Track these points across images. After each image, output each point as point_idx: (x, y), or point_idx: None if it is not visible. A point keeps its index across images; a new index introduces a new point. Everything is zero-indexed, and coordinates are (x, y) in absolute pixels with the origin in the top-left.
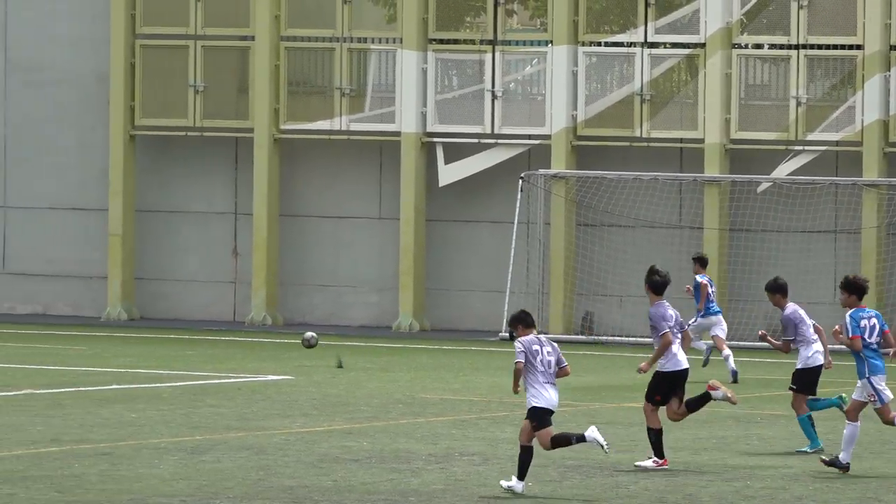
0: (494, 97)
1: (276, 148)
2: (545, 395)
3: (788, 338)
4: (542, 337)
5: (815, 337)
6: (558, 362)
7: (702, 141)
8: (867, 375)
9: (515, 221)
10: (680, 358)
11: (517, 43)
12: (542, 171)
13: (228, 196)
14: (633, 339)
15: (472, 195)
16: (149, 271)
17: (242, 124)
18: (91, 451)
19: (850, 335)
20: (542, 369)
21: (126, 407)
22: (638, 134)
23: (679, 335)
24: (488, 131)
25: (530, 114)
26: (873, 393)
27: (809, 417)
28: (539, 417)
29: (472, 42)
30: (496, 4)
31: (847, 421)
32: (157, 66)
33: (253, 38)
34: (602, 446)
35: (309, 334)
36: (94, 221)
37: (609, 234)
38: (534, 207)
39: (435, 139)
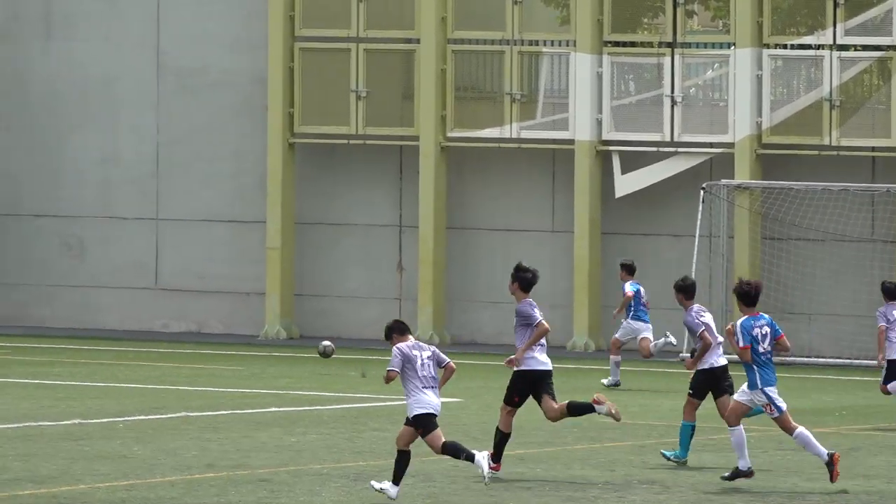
0: (674, 103)
1: (442, 157)
2: (426, 400)
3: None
4: (420, 342)
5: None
6: (439, 363)
7: (895, 149)
8: (760, 386)
9: (697, 234)
10: (540, 357)
11: (698, 45)
12: (724, 181)
13: (392, 207)
14: (822, 359)
15: (651, 206)
16: (308, 287)
17: (407, 132)
18: (248, 477)
19: (741, 345)
20: (423, 374)
21: (285, 430)
22: (827, 142)
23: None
24: (667, 139)
25: (712, 120)
26: (768, 403)
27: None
28: (424, 423)
29: (650, 45)
30: (675, 5)
31: (729, 427)
32: (317, 70)
33: (418, 41)
34: (483, 477)
35: (324, 343)
36: (251, 234)
37: (796, 249)
38: (716, 220)
39: (611, 147)
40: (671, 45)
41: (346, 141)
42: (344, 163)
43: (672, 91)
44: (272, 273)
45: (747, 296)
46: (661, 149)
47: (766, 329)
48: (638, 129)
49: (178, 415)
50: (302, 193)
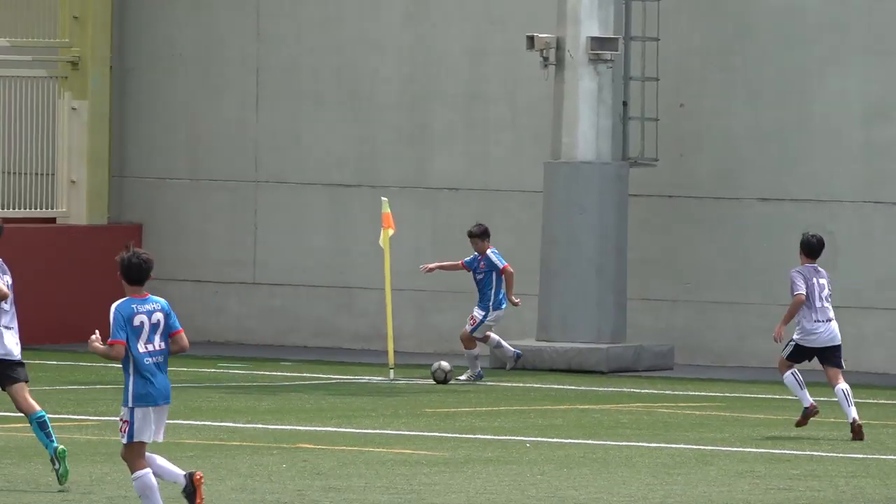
0: None
1: None
2: None
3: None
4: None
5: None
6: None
7: None
8: (130, 405)
9: None
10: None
11: None
12: None
13: None
14: None
15: None
16: None
17: None
18: None
19: (116, 338)
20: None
21: None
22: None
23: None
24: None
25: None
26: (128, 421)
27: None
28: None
29: None
30: None
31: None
32: None
33: None
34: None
35: (439, 364)
36: None
37: None
38: None
39: None
40: None
41: None
42: None
43: None
44: None
45: (134, 271)
46: None
47: (159, 317)
48: None
49: None
50: None
